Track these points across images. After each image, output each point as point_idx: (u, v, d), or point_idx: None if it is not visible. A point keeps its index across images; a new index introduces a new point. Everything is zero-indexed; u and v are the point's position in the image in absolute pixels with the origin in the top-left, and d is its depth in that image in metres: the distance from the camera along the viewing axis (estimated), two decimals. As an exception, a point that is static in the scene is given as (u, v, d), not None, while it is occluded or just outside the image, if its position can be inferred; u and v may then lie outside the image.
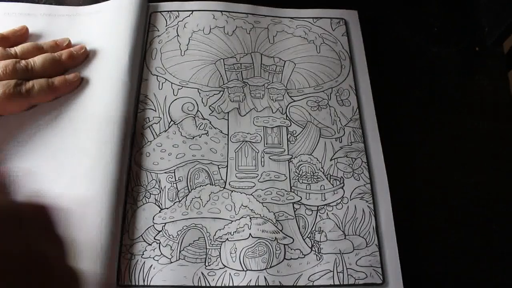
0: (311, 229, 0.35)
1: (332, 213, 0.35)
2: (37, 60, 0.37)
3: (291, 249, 0.34)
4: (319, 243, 0.34)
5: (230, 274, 0.33)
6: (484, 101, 0.43)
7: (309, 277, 0.33)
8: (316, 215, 0.35)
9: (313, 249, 0.34)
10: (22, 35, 0.40)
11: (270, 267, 0.33)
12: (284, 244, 0.34)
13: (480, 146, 0.40)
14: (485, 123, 0.41)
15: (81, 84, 0.38)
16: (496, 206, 0.38)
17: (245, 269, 0.33)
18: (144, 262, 0.32)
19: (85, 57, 0.39)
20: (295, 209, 0.35)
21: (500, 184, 0.39)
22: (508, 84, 0.44)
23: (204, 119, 0.39)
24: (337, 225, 0.35)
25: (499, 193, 0.38)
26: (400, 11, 0.48)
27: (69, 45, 0.40)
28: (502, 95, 0.43)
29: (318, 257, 0.34)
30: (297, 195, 0.36)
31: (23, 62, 0.36)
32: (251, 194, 0.36)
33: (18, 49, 0.37)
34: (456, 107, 0.42)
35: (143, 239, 0.33)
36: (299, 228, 0.35)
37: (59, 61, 0.38)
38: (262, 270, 0.33)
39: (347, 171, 0.37)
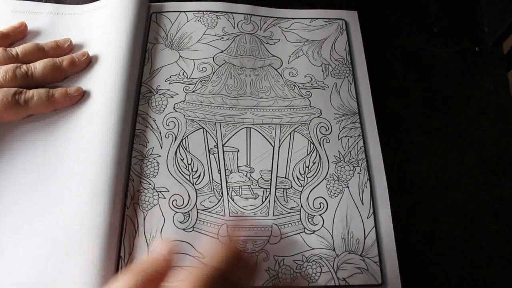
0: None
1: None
2: (38, 66, 0.37)
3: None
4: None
5: None
6: (484, 101, 0.43)
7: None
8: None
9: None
10: (21, 32, 0.40)
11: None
12: None
13: (480, 146, 0.40)
14: (485, 123, 0.41)
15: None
16: (496, 206, 0.38)
17: None
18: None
19: (87, 63, 0.39)
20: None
21: (500, 184, 0.39)
22: (508, 84, 0.44)
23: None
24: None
25: (499, 193, 0.38)
26: (400, 11, 0.48)
27: (70, 45, 0.40)
28: (502, 95, 0.43)
29: (317, 257, 0.34)
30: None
31: (23, 67, 0.36)
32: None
33: (19, 49, 0.37)
34: (456, 107, 0.42)
35: None
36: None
37: (60, 67, 0.38)
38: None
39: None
